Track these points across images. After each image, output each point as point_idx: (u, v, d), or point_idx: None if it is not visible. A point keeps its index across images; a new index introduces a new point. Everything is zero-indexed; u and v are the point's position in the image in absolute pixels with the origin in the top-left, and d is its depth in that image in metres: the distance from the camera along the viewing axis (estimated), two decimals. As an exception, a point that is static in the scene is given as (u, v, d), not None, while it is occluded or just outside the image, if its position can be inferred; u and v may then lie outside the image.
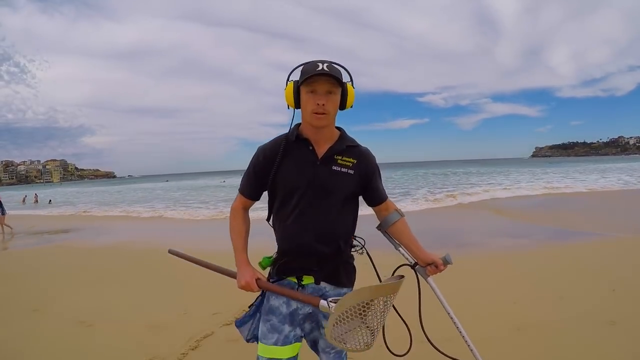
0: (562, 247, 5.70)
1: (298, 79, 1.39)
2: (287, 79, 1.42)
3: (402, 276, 1.32)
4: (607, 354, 2.46)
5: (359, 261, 1.59)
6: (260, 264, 1.50)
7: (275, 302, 1.44)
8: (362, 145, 1.52)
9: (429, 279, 1.55)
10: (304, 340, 1.52)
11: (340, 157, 1.43)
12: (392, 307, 1.36)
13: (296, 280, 1.46)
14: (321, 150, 1.43)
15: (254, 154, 1.49)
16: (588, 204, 11.55)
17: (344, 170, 1.43)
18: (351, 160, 1.45)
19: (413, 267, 1.56)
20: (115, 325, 3.31)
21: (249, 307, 1.56)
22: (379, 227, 1.61)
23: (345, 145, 1.45)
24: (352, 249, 1.55)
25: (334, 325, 1.26)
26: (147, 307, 3.71)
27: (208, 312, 3.39)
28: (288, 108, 1.43)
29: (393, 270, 1.48)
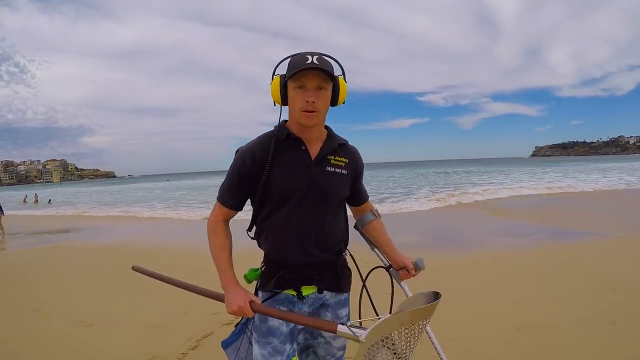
0: (562, 247, 5.70)
1: (285, 72, 1.26)
2: (273, 73, 1.28)
3: (438, 293, 1.12)
4: (607, 354, 2.46)
5: None
6: (245, 277, 1.36)
7: (275, 321, 1.29)
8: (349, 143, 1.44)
9: (402, 283, 1.47)
10: None
11: (333, 157, 1.34)
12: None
13: (295, 293, 1.33)
14: (313, 150, 1.32)
15: (235, 157, 1.32)
16: (589, 204, 11.55)
17: (338, 170, 1.34)
18: (343, 159, 1.36)
19: (387, 269, 1.50)
20: (116, 325, 3.31)
21: (236, 325, 1.42)
22: (356, 227, 1.57)
23: (337, 144, 1.36)
24: None
25: (365, 357, 1.07)
26: (147, 307, 3.71)
27: (208, 312, 3.39)
28: (275, 105, 1.30)
29: (368, 272, 1.42)
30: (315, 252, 1.31)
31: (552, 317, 3.04)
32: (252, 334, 1.36)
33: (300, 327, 1.35)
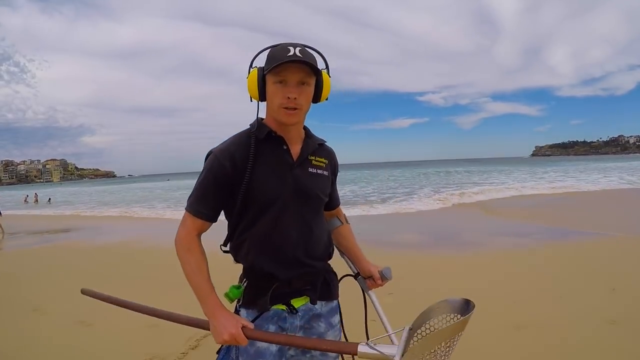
0: (562, 246, 5.70)
1: (264, 65, 1.15)
2: (250, 65, 1.16)
3: (470, 301, 0.98)
4: (607, 353, 2.46)
5: None
6: (227, 295, 1.18)
7: (263, 342, 1.14)
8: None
9: (370, 292, 1.38)
10: None
11: (314, 158, 1.25)
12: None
13: (284, 307, 1.20)
14: (294, 150, 1.21)
15: (208, 160, 1.17)
16: (591, 204, 11.56)
17: (320, 171, 1.25)
18: (323, 160, 1.28)
19: (355, 277, 1.42)
20: (115, 325, 3.31)
21: (217, 352, 1.26)
22: None
23: (317, 144, 1.27)
24: None
25: None
26: (147, 307, 3.71)
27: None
28: (251, 100, 1.18)
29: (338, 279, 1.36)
30: (306, 260, 1.20)
31: (552, 316, 3.04)
32: (238, 358, 1.19)
33: None
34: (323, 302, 1.27)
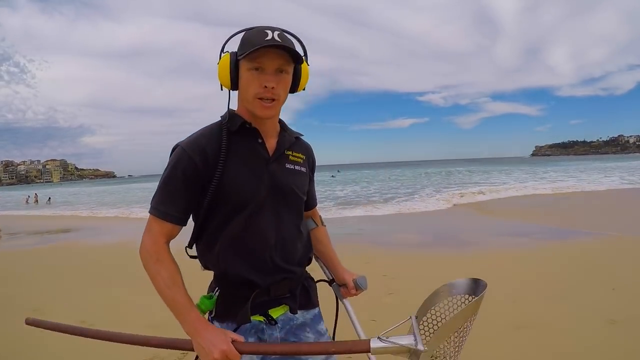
0: (562, 246, 5.70)
1: (238, 49, 1.03)
2: (222, 50, 1.04)
3: (479, 280, 0.94)
4: (607, 353, 2.46)
5: None
6: (198, 307, 1.04)
7: (246, 356, 1.00)
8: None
9: (345, 300, 1.29)
10: None
11: (291, 153, 1.14)
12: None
13: (262, 319, 1.09)
14: (269, 144, 1.10)
15: (174, 154, 1.04)
16: (592, 203, 11.56)
17: (297, 167, 1.15)
18: (301, 155, 1.17)
19: (330, 283, 1.33)
20: (116, 325, 3.29)
21: None
22: None
23: (294, 138, 1.17)
24: None
25: None
26: (148, 307, 3.70)
27: (208, 311, 3.39)
28: (222, 89, 1.06)
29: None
30: (284, 265, 1.09)
31: (552, 316, 3.04)
32: None
33: None
34: (302, 311, 1.17)
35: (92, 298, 4.15)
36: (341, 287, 1.30)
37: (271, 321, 1.09)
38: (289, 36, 1.03)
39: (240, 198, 1.03)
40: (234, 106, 1.12)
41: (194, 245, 1.13)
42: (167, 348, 1.02)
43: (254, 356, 1.03)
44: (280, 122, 1.16)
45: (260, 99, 1.00)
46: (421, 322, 0.96)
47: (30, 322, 1.18)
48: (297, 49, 1.02)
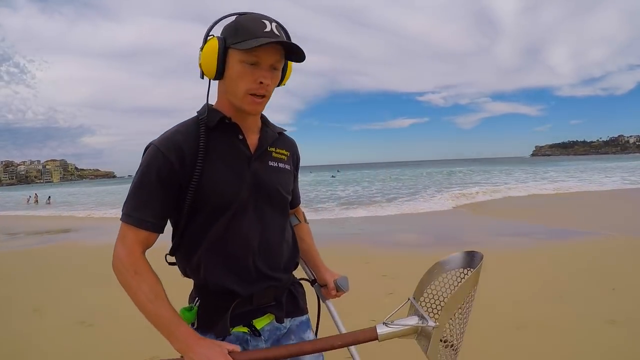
0: (563, 246, 5.70)
1: (229, 37, 0.92)
2: (207, 33, 0.94)
3: (474, 252, 0.92)
4: (607, 353, 2.46)
5: None
6: None
7: None
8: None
9: (328, 302, 1.23)
10: None
11: (274, 149, 1.06)
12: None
13: (246, 329, 1.01)
14: (251, 140, 1.02)
15: (147, 154, 0.94)
16: (591, 204, 11.56)
17: (281, 165, 1.07)
18: (285, 152, 1.09)
19: (312, 283, 1.25)
20: (116, 325, 3.30)
21: None
22: None
23: (277, 133, 1.10)
24: None
25: (440, 343, 0.84)
26: (147, 307, 3.71)
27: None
28: (202, 77, 0.96)
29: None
30: (269, 272, 1.02)
31: (553, 316, 3.04)
32: None
33: None
34: (289, 319, 1.09)
35: (92, 298, 4.15)
36: (322, 288, 1.24)
37: (255, 332, 1.01)
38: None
39: (221, 200, 0.95)
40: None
41: (175, 253, 1.05)
42: None
43: None
44: (262, 116, 1.08)
45: (252, 95, 0.93)
46: (419, 303, 0.94)
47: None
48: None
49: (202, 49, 0.93)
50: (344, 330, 1.14)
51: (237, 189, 0.96)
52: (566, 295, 3.49)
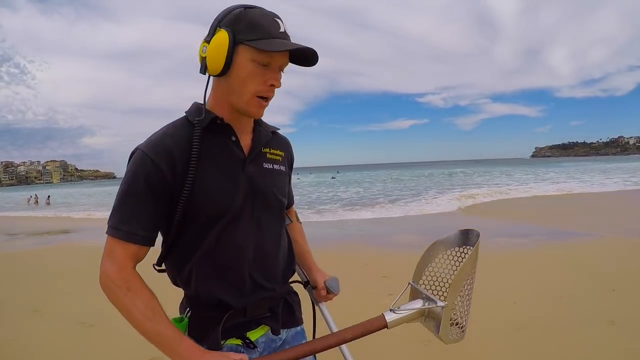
0: (563, 247, 5.70)
1: (241, 32, 0.84)
2: (218, 24, 0.85)
3: (469, 230, 0.92)
4: (607, 354, 2.46)
5: None
6: None
7: None
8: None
9: (321, 304, 1.17)
10: None
11: (268, 150, 1.00)
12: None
13: (240, 342, 0.95)
14: (244, 141, 0.95)
15: (134, 161, 0.87)
16: (594, 205, 11.56)
17: (276, 167, 1.00)
18: (279, 152, 1.03)
19: (305, 285, 1.21)
20: (116, 326, 3.30)
21: None
22: None
23: (270, 132, 1.03)
24: None
25: (451, 320, 0.84)
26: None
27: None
28: (203, 72, 0.88)
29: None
30: (264, 282, 0.96)
31: (552, 317, 3.04)
32: None
33: None
34: (285, 329, 1.04)
35: (93, 299, 4.15)
36: (314, 290, 1.19)
37: (249, 344, 0.95)
38: None
39: (214, 209, 0.88)
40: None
41: (163, 262, 0.99)
42: None
43: None
44: None
45: (259, 97, 0.87)
46: (420, 285, 0.94)
47: None
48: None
49: (208, 41, 0.85)
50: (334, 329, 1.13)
51: (231, 197, 0.89)
52: (566, 296, 3.49)
